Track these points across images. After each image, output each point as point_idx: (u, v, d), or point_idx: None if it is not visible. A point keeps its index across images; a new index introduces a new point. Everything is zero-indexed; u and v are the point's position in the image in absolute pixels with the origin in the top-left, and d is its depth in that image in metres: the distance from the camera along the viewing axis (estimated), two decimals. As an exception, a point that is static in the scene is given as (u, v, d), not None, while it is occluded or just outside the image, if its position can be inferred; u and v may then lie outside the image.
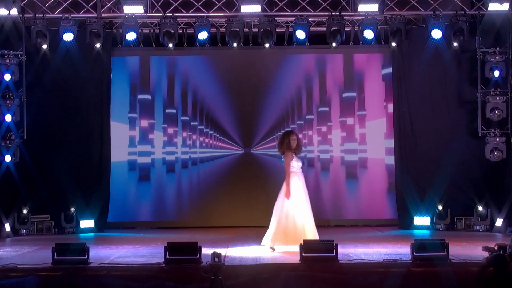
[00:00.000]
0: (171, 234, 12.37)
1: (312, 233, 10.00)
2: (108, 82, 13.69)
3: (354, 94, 14.20)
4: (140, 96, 14.18)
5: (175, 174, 14.23)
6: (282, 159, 10.15)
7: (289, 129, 10.10)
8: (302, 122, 14.26)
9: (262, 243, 10.18)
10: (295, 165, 10.07)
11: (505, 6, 12.63)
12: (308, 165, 14.19)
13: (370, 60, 14.21)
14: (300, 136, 13.79)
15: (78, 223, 13.17)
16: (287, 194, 10.00)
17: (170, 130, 14.19)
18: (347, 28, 13.33)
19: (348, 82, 14.22)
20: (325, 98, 14.25)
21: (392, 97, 13.84)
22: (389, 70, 13.93)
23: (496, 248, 8.42)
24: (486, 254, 8.48)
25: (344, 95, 14.22)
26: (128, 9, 12.88)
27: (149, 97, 14.18)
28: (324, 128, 14.22)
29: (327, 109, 14.23)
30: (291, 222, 10.00)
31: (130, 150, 14.15)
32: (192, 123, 14.21)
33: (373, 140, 14.14)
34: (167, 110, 14.20)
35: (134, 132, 14.15)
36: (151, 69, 14.23)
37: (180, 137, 14.20)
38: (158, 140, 14.17)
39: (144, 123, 14.17)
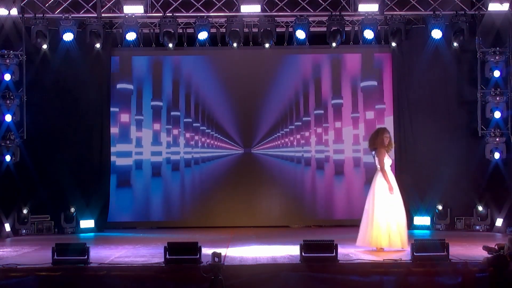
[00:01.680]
0: (171, 234, 12.36)
1: (404, 231, 9.81)
2: (108, 82, 13.69)
3: (355, 94, 14.20)
4: (139, 96, 14.17)
5: (175, 174, 14.21)
6: (374, 156, 10.03)
7: (383, 126, 9.99)
8: (303, 121, 14.25)
9: (358, 243, 9.89)
10: (386, 162, 9.94)
11: (505, 6, 12.64)
12: (309, 165, 14.20)
13: (371, 60, 14.19)
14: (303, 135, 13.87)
15: (78, 223, 13.16)
16: (390, 189, 9.79)
17: (171, 131, 14.18)
18: (347, 28, 13.34)
19: (349, 82, 14.21)
20: (326, 98, 14.24)
21: (392, 97, 13.86)
22: (388, 71, 13.96)
23: (496, 248, 8.41)
24: (486, 254, 8.48)
25: (345, 95, 14.23)
26: (128, 9, 12.90)
27: (149, 97, 14.17)
28: (325, 129, 14.20)
29: (328, 109, 14.22)
30: (387, 220, 9.78)
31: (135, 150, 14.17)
32: (192, 123, 14.20)
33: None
34: (167, 110, 14.18)
35: (131, 132, 14.16)
36: (151, 69, 14.22)
37: (180, 138, 14.19)
38: (157, 140, 14.16)
39: (145, 123, 14.15)
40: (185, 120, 14.19)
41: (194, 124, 14.20)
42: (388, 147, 10.01)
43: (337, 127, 14.17)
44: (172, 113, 14.18)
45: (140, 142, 14.12)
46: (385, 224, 9.74)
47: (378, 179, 9.92)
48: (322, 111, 14.22)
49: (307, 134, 14.24)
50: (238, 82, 14.11)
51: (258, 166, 14.16)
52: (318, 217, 14.16)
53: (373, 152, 10.06)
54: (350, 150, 14.15)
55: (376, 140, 10.03)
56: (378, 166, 9.94)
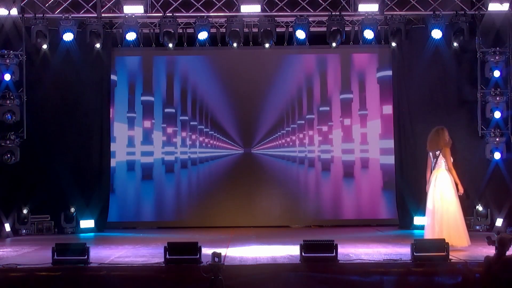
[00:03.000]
0: (171, 234, 12.37)
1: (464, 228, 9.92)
2: (108, 82, 13.69)
3: (353, 94, 14.18)
4: (140, 97, 14.16)
5: (175, 174, 14.22)
6: (437, 156, 10.01)
7: (440, 126, 10.25)
8: (303, 121, 14.26)
9: (460, 244, 9.70)
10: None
11: (505, 6, 12.65)
12: (309, 165, 14.21)
13: (370, 60, 14.19)
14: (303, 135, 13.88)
15: (78, 223, 13.16)
16: (461, 189, 9.88)
17: (170, 130, 14.18)
18: (347, 28, 13.34)
19: (348, 82, 14.21)
20: (325, 98, 14.25)
21: (392, 97, 13.86)
22: (388, 71, 13.94)
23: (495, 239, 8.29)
24: (484, 252, 8.45)
25: (345, 95, 14.21)
26: (128, 9, 12.90)
27: (150, 97, 14.17)
28: (325, 128, 14.21)
29: (327, 108, 14.22)
30: (448, 219, 9.87)
31: (130, 150, 14.14)
32: (192, 123, 14.20)
33: (374, 140, 14.14)
34: (166, 110, 14.19)
35: (134, 132, 14.14)
36: (151, 69, 14.22)
37: (179, 137, 14.19)
38: (158, 140, 14.15)
39: (146, 123, 14.14)
40: (185, 119, 14.18)
41: (194, 124, 14.19)
42: (450, 145, 10.02)
43: (340, 126, 14.16)
44: (172, 113, 14.17)
45: (141, 142, 14.14)
46: (447, 224, 9.77)
47: (441, 178, 9.91)
48: (322, 111, 14.22)
49: (307, 134, 14.24)
50: (238, 82, 14.11)
51: (258, 166, 14.16)
52: (318, 217, 14.16)
53: (438, 153, 10.00)
54: (354, 150, 14.15)
55: (440, 141, 10.00)
56: (443, 166, 9.93)
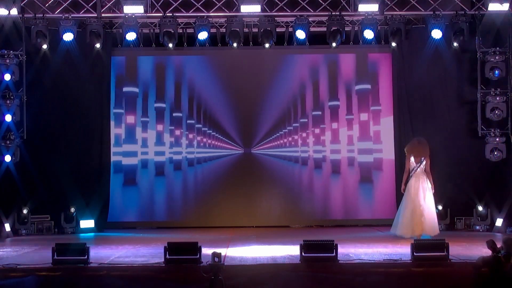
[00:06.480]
0: (171, 234, 12.37)
1: None
2: (108, 82, 13.69)
3: (352, 96, 14.19)
4: (143, 98, 14.17)
5: (175, 174, 14.21)
6: (421, 162, 11.53)
7: (422, 137, 11.96)
8: (302, 122, 14.26)
9: (434, 233, 11.29)
10: None
11: (505, 6, 12.65)
12: (307, 165, 14.20)
13: (369, 60, 14.19)
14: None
15: (78, 223, 13.17)
16: (433, 188, 11.59)
17: (167, 130, 14.15)
18: (347, 28, 13.34)
19: (347, 83, 14.21)
20: (324, 99, 14.24)
21: (392, 97, 13.86)
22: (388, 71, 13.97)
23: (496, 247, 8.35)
24: (483, 252, 8.48)
25: (341, 97, 14.23)
26: (128, 9, 12.90)
27: (148, 96, 14.18)
28: (317, 130, 14.18)
29: (320, 113, 14.21)
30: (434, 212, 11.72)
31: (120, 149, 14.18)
32: (191, 123, 14.19)
33: (377, 140, 14.15)
34: (165, 110, 14.18)
35: (147, 134, 14.10)
36: (151, 70, 14.21)
37: (179, 137, 14.18)
38: (154, 141, 14.14)
39: (158, 126, 14.12)
40: (184, 119, 14.18)
41: (193, 124, 14.18)
42: None
43: (334, 128, 14.16)
44: (172, 113, 14.17)
45: (145, 143, 14.12)
46: (427, 216, 11.39)
47: (425, 179, 11.49)
48: (320, 112, 14.22)
49: (307, 134, 14.24)
50: (238, 82, 14.10)
51: (258, 166, 14.16)
52: (318, 217, 14.15)
53: (423, 159, 11.51)
54: (348, 150, 14.15)
55: (427, 150, 11.55)
56: (423, 170, 11.48)
